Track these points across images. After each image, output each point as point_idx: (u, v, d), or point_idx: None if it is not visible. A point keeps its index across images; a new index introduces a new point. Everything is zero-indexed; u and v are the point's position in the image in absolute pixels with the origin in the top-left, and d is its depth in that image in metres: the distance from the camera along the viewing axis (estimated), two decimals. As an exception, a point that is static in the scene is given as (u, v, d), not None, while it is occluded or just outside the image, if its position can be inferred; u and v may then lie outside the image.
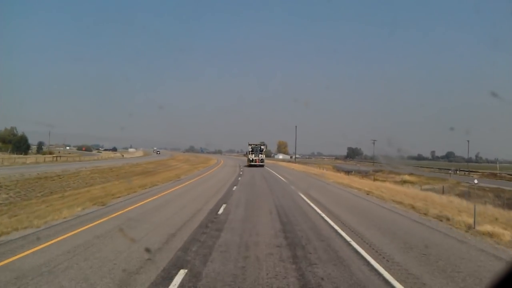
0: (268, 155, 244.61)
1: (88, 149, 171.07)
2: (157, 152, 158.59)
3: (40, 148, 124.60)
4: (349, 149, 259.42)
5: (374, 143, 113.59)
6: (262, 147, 55.90)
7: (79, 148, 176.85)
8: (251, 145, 54.16)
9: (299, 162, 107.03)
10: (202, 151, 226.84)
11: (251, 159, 53.60)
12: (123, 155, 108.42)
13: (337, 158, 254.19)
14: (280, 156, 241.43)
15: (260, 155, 54.12)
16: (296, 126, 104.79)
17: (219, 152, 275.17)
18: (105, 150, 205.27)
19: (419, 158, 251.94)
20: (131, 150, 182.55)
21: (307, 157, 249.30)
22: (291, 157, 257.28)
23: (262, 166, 53.30)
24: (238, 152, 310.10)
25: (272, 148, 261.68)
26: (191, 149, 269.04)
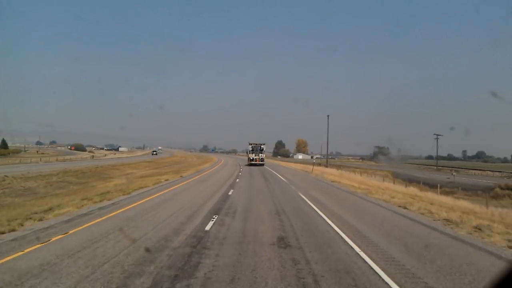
0: (287, 155, 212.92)
1: (81, 148, 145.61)
2: (153, 153, 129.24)
3: (4, 146, 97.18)
4: (376, 148, 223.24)
5: (437, 138, 79.51)
6: (262, 146, 55.19)
7: (75, 147, 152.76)
8: (251, 144, 54.06)
9: (331, 165, 74.84)
10: (213, 150, 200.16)
11: (251, 158, 53.38)
12: (92, 156, 79.06)
13: (362, 158, 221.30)
14: (300, 156, 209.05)
15: (260, 154, 54.08)
16: (328, 116, 72.57)
17: (234, 151, 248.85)
18: (109, 149, 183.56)
19: (450, 158, 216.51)
20: (122, 149, 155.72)
21: (330, 157, 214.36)
22: (311, 157, 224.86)
23: (262, 165, 52.81)
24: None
25: (291, 147, 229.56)
26: (204, 149, 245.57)
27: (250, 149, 54.25)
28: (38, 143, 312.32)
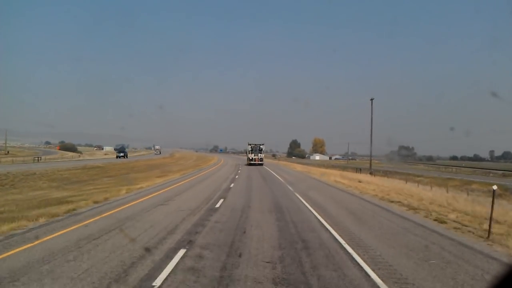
0: (303, 155, 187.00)
1: (71, 148, 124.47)
2: (119, 154, 76.04)
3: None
4: (401, 148, 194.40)
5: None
6: (261, 146, 52.75)
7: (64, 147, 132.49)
8: (250, 144, 52.00)
9: (375, 173, 49.54)
10: (221, 151, 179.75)
11: (250, 158, 51.73)
12: (38, 159, 55.43)
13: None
14: (317, 157, 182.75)
15: (259, 154, 51.92)
16: (371, 100, 46.92)
17: (246, 151, 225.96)
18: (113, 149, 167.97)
19: (476, 158, 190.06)
20: (107, 148, 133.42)
21: (350, 158, 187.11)
22: (330, 158, 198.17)
23: (261, 164, 51.27)
24: (266, 152, 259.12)
25: (306, 147, 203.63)
26: (215, 149, 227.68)
27: (250, 149, 52.10)
28: (47, 143, 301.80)
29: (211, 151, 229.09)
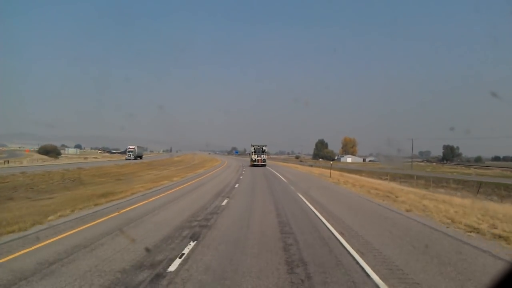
0: (331, 157, 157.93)
1: (54, 150, 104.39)
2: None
3: None
4: (446, 147, 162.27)
5: None
6: (264, 148, 51.83)
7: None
8: (253, 146, 51.69)
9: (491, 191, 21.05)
10: (236, 153, 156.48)
11: (253, 159, 51.33)
12: None
13: (428, 161, 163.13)
14: (349, 159, 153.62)
15: (262, 156, 51.23)
16: None
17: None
18: (118, 152, 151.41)
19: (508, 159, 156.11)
20: (71, 151, 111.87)
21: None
22: (364, 160, 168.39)
23: (264, 165, 50.28)
24: (288, 153, 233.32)
25: (335, 147, 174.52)
26: (232, 151, 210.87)
27: (253, 150, 51.73)
28: (63, 146, 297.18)
29: (229, 153, 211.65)
